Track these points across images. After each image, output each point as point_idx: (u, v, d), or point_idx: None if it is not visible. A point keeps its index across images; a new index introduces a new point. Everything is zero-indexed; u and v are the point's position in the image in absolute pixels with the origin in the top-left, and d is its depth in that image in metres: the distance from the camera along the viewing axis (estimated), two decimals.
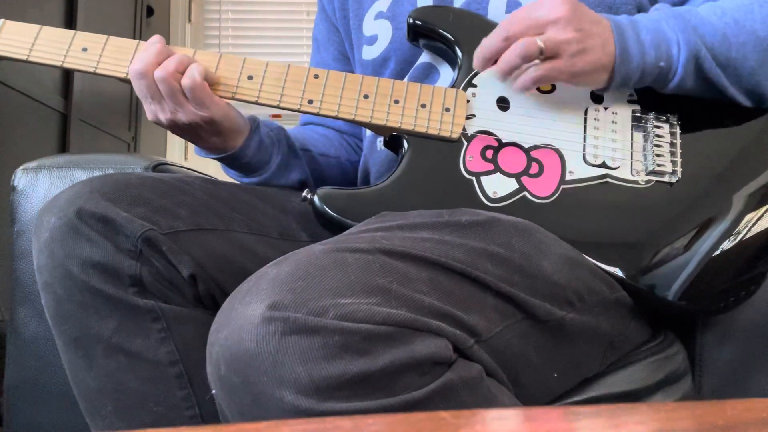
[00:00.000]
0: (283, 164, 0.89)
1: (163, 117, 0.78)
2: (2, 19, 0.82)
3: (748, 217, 0.74)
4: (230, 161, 0.86)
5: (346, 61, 1.04)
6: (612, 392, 0.73)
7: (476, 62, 0.75)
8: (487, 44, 0.73)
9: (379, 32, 0.92)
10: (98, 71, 0.80)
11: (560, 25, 0.69)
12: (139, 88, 0.77)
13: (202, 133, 0.80)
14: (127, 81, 0.80)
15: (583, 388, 0.73)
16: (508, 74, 0.73)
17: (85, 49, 0.80)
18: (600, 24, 0.72)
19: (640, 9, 0.84)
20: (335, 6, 1.01)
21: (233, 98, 0.79)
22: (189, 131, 0.80)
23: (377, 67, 0.93)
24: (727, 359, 0.82)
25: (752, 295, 0.74)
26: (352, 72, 1.02)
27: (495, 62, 0.74)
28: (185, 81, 0.76)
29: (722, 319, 0.81)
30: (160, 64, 0.76)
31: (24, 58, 0.81)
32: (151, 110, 0.79)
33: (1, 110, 1.73)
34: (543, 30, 0.70)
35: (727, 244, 0.73)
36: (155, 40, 0.79)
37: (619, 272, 0.72)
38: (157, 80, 0.75)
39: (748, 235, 0.74)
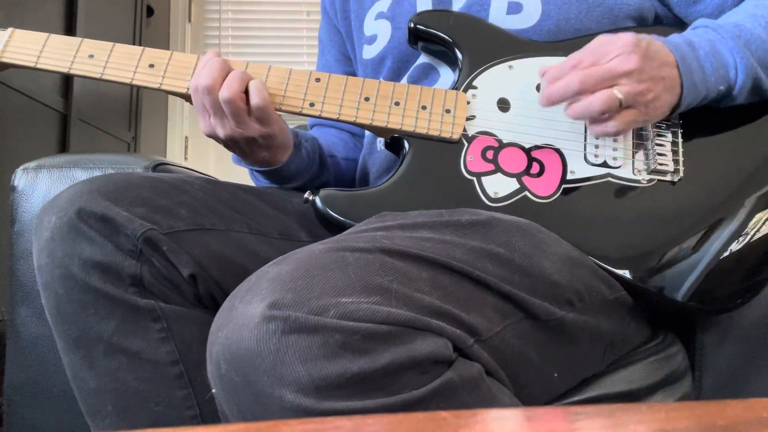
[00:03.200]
0: (316, 175, 0.91)
1: (222, 133, 0.78)
2: (11, 28, 0.83)
3: (757, 217, 0.75)
4: (271, 174, 0.86)
5: (347, 61, 1.05)
6: (612, 392, 0.73)
7: (545, 101, 0.73)
8: (561, 87, 0.71)
9: (378, 32, 0.93)
10: (104, 77, 0.81)
11: (634, 77, 0.69)
12: (199, 104, 0.77)
13: (255, 148, 0.81)
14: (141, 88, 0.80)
15: (583, 388, 0.73)
16: (581, 119, 0.73)
17: (91, 56, 0.81)
18: (667, 64, 0.71)
19: (641, 11, 0.84)
20: (336, 7, 1.02)
21: None
22: (243, 146, 0.80)
23: (376, 66, 0.93)
24: (727, 359, 0.82)
25: (757, 294, 0.74)
26: (354, 72, 1.03)
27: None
28: (255, 101, 0.76)
29: (722, 319, 0.81)
30: (224, 81, 0.76)
31: (32, 65, 0.82)
32: (208, 124, 0.79)
33: (1, 110, 1.73)
34: (617, 81, 0.69)
35: (736, 245, 0.73)
36: (213, 56, 0.78)
37: (627, 275, 0.72)
38: (223, 101, 0.75)
39: (757, 236, 0.74)
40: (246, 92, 0.77)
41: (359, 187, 0.87)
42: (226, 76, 0.76)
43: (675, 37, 0.75)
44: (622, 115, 0.70)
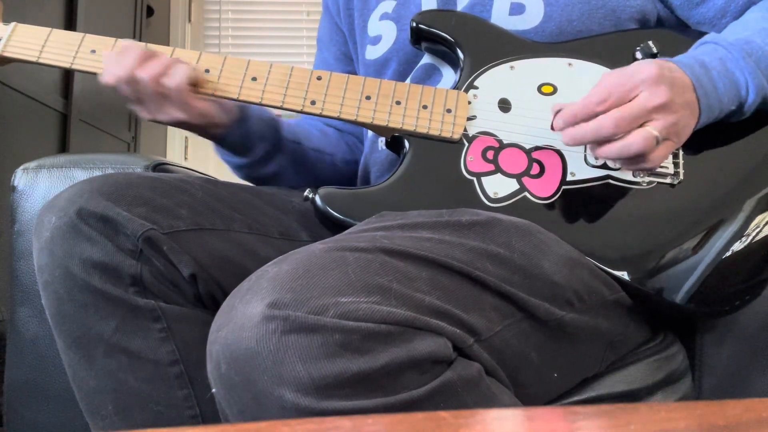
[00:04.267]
0: (268, 155, 0.91)
1: (147, 115, 0.81)
2: (13, 23, 0.83)
3: (757, 219, 0.74)
4: (217, 142, 0.89)
5: (347, 61, 1.04)
6: (612, 392, 0.73)
7: (570, 142, 0.70)
8: (592, 130, 0.68)
9: (383, 33, 0.93)
10: None
11: (666, 110, 0.67)
12: (121, 92, 0.79)
13: (183, 126, 0.84)
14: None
15: (583, 388, 0.73)
16: (615, 160, 0.71)
17: (93, 51, 0.81)
18: (687, 89, 0.70)
19: (644, 13, 0.83)
20: (339, 5, 1.02)
21: (237, 99, 0.80)
22: (192, 129, 0.84)
23: (379, 68, 0.93)
24: (727, 359, 0.82)
25: (757, 297, 0.74)
26: (354, 72, 1.02)
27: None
28: (170, 82, 0.77)
29: (722, 320, 0.81)
30: (141, 67, 0.77)
31: (34, 60, 0.82)
32: (136, 109, 0.81)
33: (1, 110, 1.73)
34: (650, 117, 0.67)
35: (736, 247, 0.73)
36: (133, 45, 0.80)
37: (625, 276, 0.72)
38: (141, 82, 0.77)
39: (757, 238, 0.74)
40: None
41: (359, 186, 0.87)
42: (145, 61, 0.78)
43: (686, 58, 0.73)
44: (657, 150, 0.68)
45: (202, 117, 0.81)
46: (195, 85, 0.80)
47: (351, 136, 1.06)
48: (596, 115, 0.68)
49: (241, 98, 0.80)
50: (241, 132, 0.87)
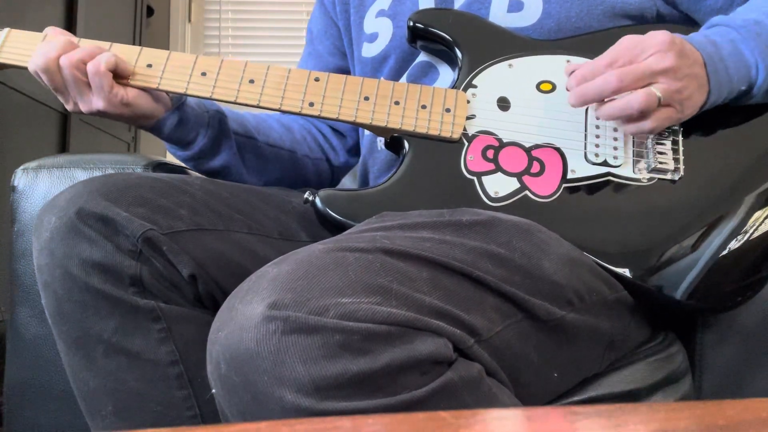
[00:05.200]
0: (212, 147, 0.89)
1: (69, 105, 0.81)
2: (7, 29, 0.82)
3: (756, 215, 0.74)
4: (154, 133, 0.88)
5: (341, 56, 1.04)
6: (612, 392, 0.73)
7: (577, 100, 0.72)
8: (597, 86, 0.70)
9: (379, 30, 0.93)
10: None
11: (671, 75, 0.69)
12: (43, 80, 0.79)
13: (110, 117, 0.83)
14: None
15: (583, 388, 0.73)
16: (615, 119, 0.73)
17: None
18: (697, 63, 0.71)
19: (643, 9, 0.83)
20: (335, 0, 1.01)
21: (235, 102, 0.80)
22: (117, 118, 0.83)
23: (377, 65, 0.93)
24: (727, 359, 0.81)
25: (757, 293, 0.74)
26: (347, 68, 1.02)
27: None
28: (89, 67, 0.77)
29: (722, 319, 0.81)
30: (62, 54, 0.77)
31: (27, 65, 0.81)
32: (60, 98, 0.81)
33: (1, 110, 1.73)
34: (655, 79, 0.69)
35: (735, 243, 0.73)
36: (58, 33, 0.81)
37: (627, 273, 0.72)
38: (62, 68, 0.77)
39: (756, 234, 0.74)
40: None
41: (359, 187, 0.87)
42: (67, 49, 0.78)
43: (697, 36, 0.74)
44: (658, 113, 0.70)
45: (126, 107, 0.80)
46: (124, 76, 0.80)
47: (322, 135, 1.04)
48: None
49: (239, 101, 0.80)
50: (176, 121, 0.85)
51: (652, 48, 0.69)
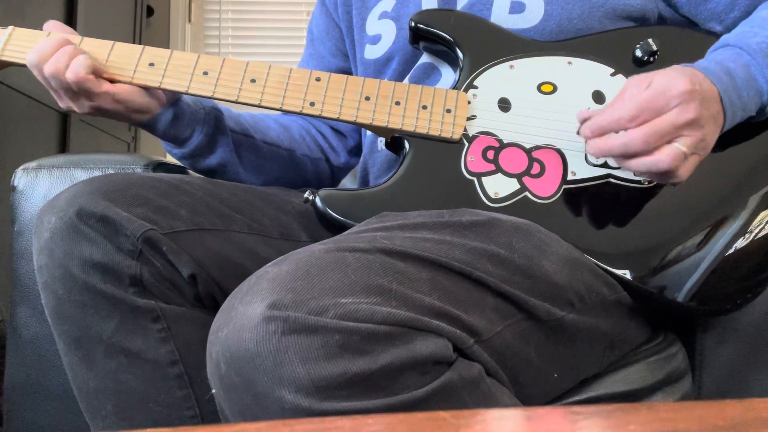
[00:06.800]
0: (208, 144, 0.89)
1: (63, 105, 0.81)
2: (11, 27, 0.83)
3: (760, 216, 0.74)
4: (149, 130, 0.87)
5: (343, 57, 1.03)
6: (612, 392, 0.73)
7: (597, 154, 0.70)
8: (620, 146, 0.67)
9: (383, 32, 0.92)
10: (104, 75, 0.80)
11: (694, 126, 0.66)
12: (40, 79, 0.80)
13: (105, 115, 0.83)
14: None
15: (583, 388, 0.73)
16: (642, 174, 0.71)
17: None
18: (714, 100, 0.69)
19: (644, 11, 0.83)
20: (337, 2, 1.01)
21: (236, 101, 0.80)
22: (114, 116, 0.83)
23: (380, 67, 0.93)
24: (727, 359, 0.82)
25: (759, 295, 0.74)
26: (348, 69, 1.02)
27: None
28: (69, 76, 0.77)
29: (722, 319, 0.81)
30: (47, 62, 0.77)
31: None
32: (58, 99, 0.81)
33: (1, 110, 1.73)
34: (679, 134, 0.66)
35: (737, 245, 0.73)
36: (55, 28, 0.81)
37: (627, 275, 0.72)
38: (49, 75, 0.77)
39: (759, 236, 0.74)
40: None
41: (359, 187, 0.87)
42: (54, 54, 0.78)
43: (712, 65, 0.71)
44: (685, 165, 0.68)
45: (118, 103, 0.80)
46: (105, 71, 0.80)
47: (321, 135, 1.04)
48: (625, 129, 0.67)
49: (240, 100, 0.80)
50: (170, 117, 0.85)
51: (675, 100, 0.66)
